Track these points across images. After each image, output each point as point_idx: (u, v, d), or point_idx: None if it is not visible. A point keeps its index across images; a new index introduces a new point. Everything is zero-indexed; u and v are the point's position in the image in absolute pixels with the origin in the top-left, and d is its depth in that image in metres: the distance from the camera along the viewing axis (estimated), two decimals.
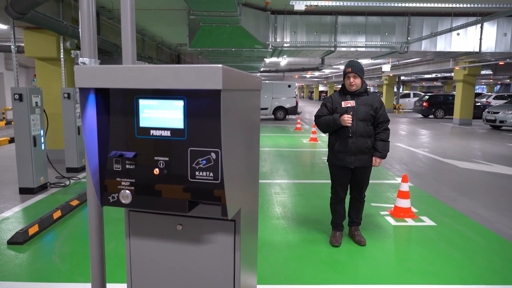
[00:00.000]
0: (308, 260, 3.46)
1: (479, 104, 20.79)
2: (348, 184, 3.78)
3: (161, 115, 1.47)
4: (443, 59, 16.62)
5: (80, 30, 1.79)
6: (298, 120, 15.80)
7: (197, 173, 1.46)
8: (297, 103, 19.26)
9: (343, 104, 3.56)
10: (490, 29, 10.56)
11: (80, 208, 4.87)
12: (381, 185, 6.18)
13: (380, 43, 10.35)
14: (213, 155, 1.44)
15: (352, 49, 10.57)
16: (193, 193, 1.48)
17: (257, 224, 2.16)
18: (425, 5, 8.03)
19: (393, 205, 4.92)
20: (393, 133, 13.10)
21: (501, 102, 20.95)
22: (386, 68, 16.35)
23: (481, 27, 10.49)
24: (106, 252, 3.46)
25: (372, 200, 5.26)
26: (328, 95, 3.85)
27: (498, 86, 40.96)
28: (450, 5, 8.02)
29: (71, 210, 4.70)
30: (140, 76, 1.39)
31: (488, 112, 16.17)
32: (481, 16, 10.01)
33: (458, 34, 10.60)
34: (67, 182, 6.08)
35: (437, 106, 21.63)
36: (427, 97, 22.23)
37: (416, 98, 27.35)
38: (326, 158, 3.83)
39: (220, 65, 1.32)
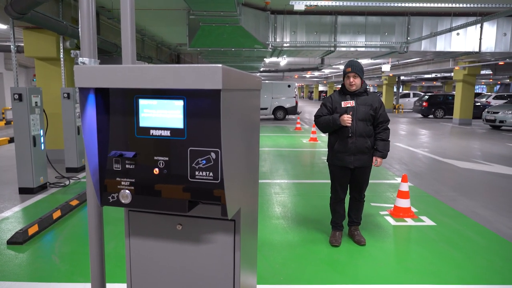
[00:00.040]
0: (308, 260, 3.46)
1: (478, 104, 20.80)
2: (348, 184, 3.78)
3: (161, 115, 1.47)
4: (442, 59, 16.63)
5: (79, 30, 1.79)
6: (298, 120, 15.80)
7: (197, 173, 1.46)
8: (296, 103, 19.27)
9: (343, 104, 3.56)
10: (490, 29, 10.56)
11: (80, 208, 4.87)
12: (380, 185, 6.18)
13: (380, 43, 10.36)
14: (213, 155, 1.44)
15: (352, 49, 10.57)
16: (193, 193, 1.48)
17: (257, 224, 2.16)
18: (424, 5, 8.03)
19: (392, 205, 4.93)
20: (392, 133, 13.10)
21: (501, 102, 20.98)
22: (386, 68, 16.35)
23: (481, 27, 10.49)
24: (106, 252, 3.46)
25: (371, 200, 5.26)
26: (327, 95, 3.85)
27: (498, 86, 40.97)
28: (450, 5, 8.02)
29: (71, 210, 4.70)
30: (140, 76, 1.39)
31: (488, 112, 16.17)
32: (480, 16, 10.01)
33: (458, 34, 10.60)
34: (67, 182, 6.07)
35: (436, 106, 21.64)
36: (426, 97, 22.24)
37: (416, 98, 27.36)
38: (326, 158, 3.83)
39: (220, 65, 1.32)
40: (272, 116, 19.57)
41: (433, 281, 3.11)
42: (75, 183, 6.09)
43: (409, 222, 4.47)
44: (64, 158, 6.91)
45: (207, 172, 1.45)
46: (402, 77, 31.76)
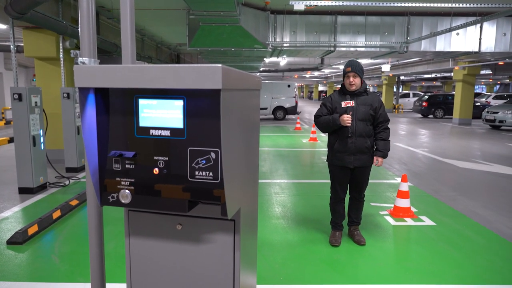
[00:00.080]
0: (308, 260, 3.46)
1: (478, 104, 20.81)
2: (348, 184, 3.78)
3: (161, 115, 1.47)
4: (442, 59, 16.63)
5: (79, 29, 1.79)
6: (298, 120, 15.80)
7: (196, 172, 1.46)
8: (296, 103, 19.27)
9: (343, 104, 3.56)
10: (490, 29, 10.57)
11: (80, 208, 4.87)
12: (380, 185, 6.18)
13: (379, 43, 10.36)
14: (213, 155, 1.44)
15: (352, 49, 10.57)
16: (192, 193, 1.48)
17: (257, 224, 2.16)
18: (424, 5, 8.04)
19: (392, 205, 4.93)
20: (392, 133, 13.10)
21: (501, 102, 20.98)
22: (386, 68, 16.36)
23: (481, 27, 10.50)
24: (105, 252, 3.46)
25: (371, 199, 5.27)
26: (327, 95, 3.85)
27: (498, 86, 40.99)
28: (450, 5, 8.02)
29: (71, 210, 4.70)
30: (139, 76, 1.39)
31: (488, 112, 16.18)
32: (480, 16, 10.01)
33: (457, 34, 10.61)
34: (67, 182, 6.07)
35: (436, 106, 21.64)
36: (426, 97, 22.25)
37: (416, 98, 27.36)
38: (326, 158, 3.83)
39: (220, 65, 1.32)
40: (272, 116, 19.58)
41: (433, 281, 3.11)
42: (75, 183, 6.09)
43: (409, 222, 4.47)
44: (64, 158, 6.91)
45: (207, 172, 1.45)
46: (402, 77, 31.77)
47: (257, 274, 3.14)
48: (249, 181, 1.85)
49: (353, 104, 3.54)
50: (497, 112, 15.67)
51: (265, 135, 12.74)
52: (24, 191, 5.43)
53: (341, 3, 7.63)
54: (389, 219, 4.55)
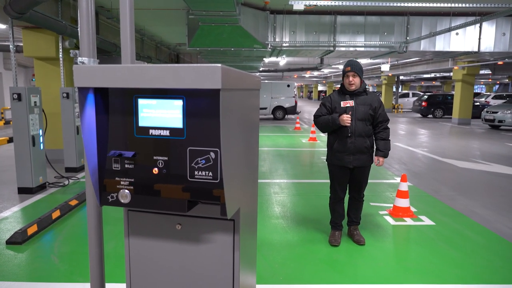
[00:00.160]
0: (307, 260, 3.46)
1: (478, 103, 20.82)
2: (347, 184, 3.78)
3: (160, 115, 1.47)
4: (442, 58, 16.64)
5: (79, 29, 1.79)
6: (297, 120, 15.81)
7: (196, 172, 1.46)
8: (296, 102, 19.28)
9: (342, 104, 3.56)
10: (489, 29, 10.57)
11: (79, 208, 4.86)
12: (380, 185, 6.18)
13: (379, 42, 10.36)
14: (212, 155, 1.44)
15: (351, 48, 10.57)
16: (192, 193, 1.48)
17: (256, 224, 2.16)
18: (424, 4, 8.04)
19: (392, 205, 4.93)
20: (392, 132, 13.10)
21: (500, 101, 21.00)
22: (385, 67, 16.36)
23: (480, 27, 10.50)
24: (105, 252, 3.46)
25: (371, 199, 5.27)
26: (327, 95, 3.85)
27: (497, 86, 41.02)
28: (449, 5, 8.03)
29: (70, 210, 4.69)
30: (139, 76, 1.39)
31: (487, 111, 16.19)
32: (480, 15, 10.02)
33: (457, 33, 10.61)
34: (66, 182, 6.07)
35: (436, 106, 21.65)
36: (426, 96, 22.25)
37: (415, 98, 27.38)
38: (325, 157, 3.83)
39: (219, 65, 1.32)
40: (272, 116, 19.58)
41: (432, 280, 3.11)
42: (74, 183, 6.09)
43: (409, 221, 4.48)
44: (63, 158, 6.90)
45: (207, 172, 1.45)
46: (401, 77, 31.78)
47: (257, 274, 3.14)
48: (249, 181, 1.85)
49: (353, 104, 3.54)
50: (496, 112, 15.69)
51: (264, 135, 12.74)
52: (24, 191, 5.43)
53: (340, 3, 7.63)
54: (389, 219, 4.56)
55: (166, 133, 1.48)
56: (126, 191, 1.54)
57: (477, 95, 26.62)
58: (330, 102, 3.64)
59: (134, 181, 1.54)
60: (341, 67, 23.12)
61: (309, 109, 29.85)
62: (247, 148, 1.77)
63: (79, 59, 1.76)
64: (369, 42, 10.35)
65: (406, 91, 33.03)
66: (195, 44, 10.13)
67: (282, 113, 19.24)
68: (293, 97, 19.19)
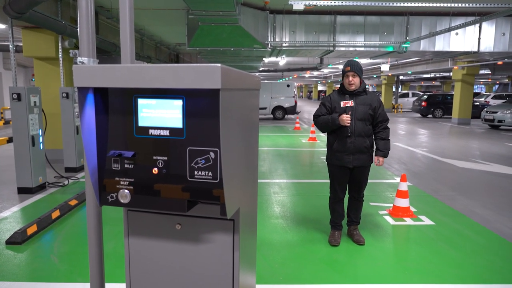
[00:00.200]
0: (307, 260, 3.46)
1: (477, 103, 20.83)
2: (347, 184, 3.78)
3: (160, 115, 1.47)
4: (441, 58, 16.64)
5: (78, 29, 1.79)
6: (297, 120, 15.81)
7: (196, 172, 1.46)
8: (296, 102, 19.28)
9: (342, 104, 3.56)
10: (489, 29, 10.58)
11: (79, 207, 4.86)
12: (380, 185, 6.19)
13: (379, 42, 10.36)
14: (212, 155, 1.43)
15: (351, 48, 10.57)
16: (192, 193, 1.48)
17: (256, 224, 2.16)
18: (423, 4, 8.04)
19: (391, 205, 4.93)
20: (392, 132, 13.11)
21: (500, 101, 21.00)
22: (385, 67, 16.36)
23: (480, 27, 10.50)
24: (105, 252, 3.45)
25: (371, 199, 5.27)
26: (326, 95, 3.85)
27: (497, 86, 41.03)
28: (449, 5, 8.03)
29: (70, 209, 4.69)
30: (139, 76, 1.39)
31: (487, 111, 16.19)
32: (479, 15, 10.02)
33: (456, 33, 10.61)
34: (66, 182, 6.07)
35: (435, 106, 21.66)
36: (425, 96, 22.26)
37: (415, 98, 27.38)
38: (325, 157, 3.83)
39: (219, 65, 1.32)
40: (271, 116, 19.58)
41: (432, 280, 3.11)
42: (74, 183, 6.09)
43: (408, 221, 4.48)
44: (63, 158, 6.90)
45: (206, 172, 1.45)
46: (401, 77, 31.79)
47: (257, 273, 3.14)
48: (249, 181, 1.85)
49: (352, 104, 3.54)
50: (496, 112, 15.69)
51: (264, 135, 12.74)
52: (23, 191, 5.42)
53: (340, 3, 7.63)
54: (389, 218, 4.56)
55: (166, 133, 1.47)
56: (126, 191, 1.54)
57: (476, 95, 26.62)
58: (330, 102, 3.64)
59: (133, 181, 1.53)
60: (340, 67, 23.12)
61: (308, 109, 29.85)
62: (247, 148, 1.77)
63: (79, 59, 1.76)
64: (369, 42, 10.35)
65: (405, 91, 33.04)
66: (194, 44, 10.13)
67: (282, 113, 19.24)
68: (293, 97, 19.19)
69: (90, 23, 1.78)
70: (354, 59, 3.66)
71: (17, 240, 3.71)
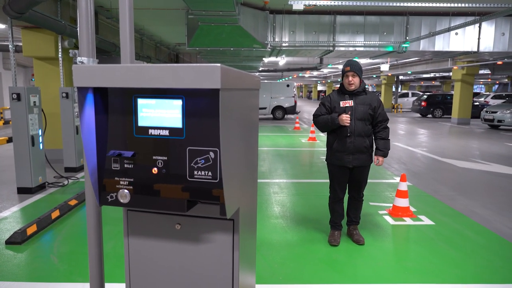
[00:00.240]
0: (307, 260, 3.46)
1: (477, 103, 20.83)
2: (347, 184, 3.78)
3: (160, 114, 1.47)
4: (441, 58, 16.65)
5: (78, 29, 1.79)
6: (297, 120, 15.81)
7: (195, 172, 1.46)
8: (295, 102, 19.29)
9: (342, 103, 3.56)
10: (488, 29, 10.58)
11: (79, 207, 4.86)
12: (379, 185, 6.19)
13: (378, 42, 10.36)
14: (212, 155, 1.43)
15: (351, 48, 10.58)
16: (191, 193, 1.48)
17: (256, 224, 2.16)
18: (423, 4, 8.04)
19: (391, 204, 4.93)
20: (391, 132, 13.10)
21: (499, 101, 21.00)
22: (385, 67, 16.36)
23: (479, 27, 10.51)
24: (104, 252, 3.45)
25: (370, 199, 5.27)
26: (326, 95, 3.85)
27: (496, 86, 41.04)
28: (449, 5, 8.03)
29: (70, 209, 4.69)
30: (138, 75, 1.39)
31: (486, 111, 16.20)
32: (479, 15, 10.02)
33: (456, 33, 10.62)
34: (66, 182, 6.06)
35: (435, 106, 21.66)
36: (425, 96, 22.26)
37: (415, 98, 27.39)
38: (325, 157, 3.83)
39: (219, 64, 1.32)
40: (271, 116, 19.58)
41: (432, 280, 3.11)
42: (73, 183, 6.08)
43: (408, 221, 4.48)
44: (63, 157, 6.90)
45: (206, 172, 1.45)
46: (400, 77, 31.79)
47: (256, 273, 3.14)
48: (248, 181, 1.85)
49: (352, 104, 3.54)
50: (495, 112, 15.70)
51: (264, 135, 12.74)
52: (23, 191, 5.42)
53: (340, 2, 7.63)
54: (388, 218, 4.56)
55: (166, 133, 1.47)
56: (126, 191, 1.54)
57: (476, 95, 26.63)
58: (330, 102, 3.65)
59: (133, 181, 1.53)
60: (340, 67, 23.12)
61: (308, 109, 29.85)
62: (247, 148, 1.77)
63: (79, 58, 1.76)
64: (368, 42, 10.35)
65: (405, 91, 33.03)
66: (194, 44, 10.13)
67: (281, 113, 19.25)
68: (293, 97, 19.20)
69: (90, 23, 1.78)
70: (354, 59, 3.66)
71: (16, 240, 3.71)
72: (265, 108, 18.98)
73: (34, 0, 5.05)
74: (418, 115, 23.34)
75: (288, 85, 19.19)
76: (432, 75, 28.35)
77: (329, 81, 41.91)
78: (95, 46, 1.83)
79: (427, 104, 21.68)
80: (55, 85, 7.45)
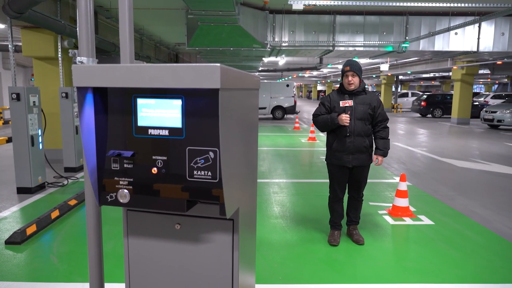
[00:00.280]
0: (307, 259, 3.46)
1: (477, 103, 20.84)
2: (346, 183, 3.78)
3: (159, 114, 1.47)
4: (441, 58, 16.65)
5: (77, 29, 1.78)
6: (297, 120, 15.81)
7: (195, 172, 1.46)
8: (295, 102, 19.29)
9: (341, 103, 3.56)
10: (488, 29, 10.58)
11: (78, 207, 4.86)
12: (379, 184, 6.19)
13: (378, 42, 10.36)
14: (211, 154, 1.43)
15: (351, 48, 10.58)
16: (191, 193, 1.48)
17: (256, 223, 2.16)
18: (423, 4, 8.04)
19: (391, 204, 4.93)
20: (391, 132, 13.06)
21: (499, 101, 21.01)
22: (384, 67, 16.37)
23: (479, 27, 10.51)
24: (104, 252, 3.45)
25: (370, 199, 5.27)
26: (326, 94, 3.85)
27: (496, 86, 41.06)
28: (448, 5, 8.04)
29: (69, 209, 4.69)
30: (138, 75, 1.39)
31: (486, 111, 16.21)
32: (479, 15, 10.03)
33: (456, 33, 10.62)
34: (65, 182, 6.06)
35: (435, 106, 21.67)
36: (425, 96, 22.27)
37: (414, 98, 27.40)
38: (325, 157, 3.83)
39: (218, 64, 1.32)
40: (271, 116, 19.59)
41: (431, 280, 3.11)
42: (73, 183, 6.08)
43: (408, 221, 4.48)
44: (63, 157, 6.90)
45: (206, 172, 1.45)
46: (400, 77, 31.79)
47: (256, 273, 3.14)
48: (248, 181, 1.85)
49: (352, 104, 3.54)
50: (495, 112, 15.71)
51: (264, 135, 12.73)
52: (23, 191, 5.42)
53: (339, 2, 7.62)
54: (388, 218, 4.56)
55: (165, 132, 1.47)
56: (125, 191, 1.54)
57: (476, 94, 26.62)
58: (329, 102, 3.64)
59: (133, 181, 1.53)
60: (340, 66, 23.12)
61: (308, 108, 29.85)
62: (246, 148, 1.77)
63: (78, 58, 1.76)
64: (368, 42, 10.36)
65: (405, 91, 33.04)
66: (194, 43, 10.12)
67: (281, 113, 19.25)
68: (292, 96, 19.20)
69: (90, 23, 1.78)
70: (354, 59, 3.65)
71: (16, 240, 3.71)
72: (264, 108, 18.99)
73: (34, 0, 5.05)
74: (418, 115, 23.34)
75: (287, 85, 19.19)
76: (431, 75, 28.35)
77: (328, 81, 41.90)
78: (94, 46, 1.82)
79: (426, 104, 21.68)
80: (55, 85, 7.45)
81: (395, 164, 8.05)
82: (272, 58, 16.35)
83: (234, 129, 1.54)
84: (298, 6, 7.57)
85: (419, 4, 7.91)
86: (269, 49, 10.76)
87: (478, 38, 10.58)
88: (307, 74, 32.03)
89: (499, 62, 16.67)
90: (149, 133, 1.49)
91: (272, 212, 4.76)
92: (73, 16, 7.68)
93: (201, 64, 1.32)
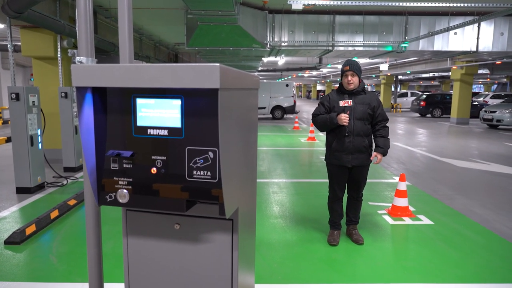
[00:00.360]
0: (306, 259, 3.46)
1: (476, 103, 20.86)
2: (346, 183, 3.78)
3: (159, 114, 1.47)
4: (440, 58, 16.66)
5: (77, 29, 1.78)
6: (296, 119, 15.81)
7: (194, 172, 1.46)
8: (295, 102, 19.29)
9: (341, 103, 3.56)
10: (487, 29, 10.59)
11: (78, 207, 4.86)
12: (378, 184, 6.19)
13: (377, 42, 10.37)
14: (211, 154, 1.43)
15: (350, 48, 10.58)
16: (190, 192, 1.48)
17: (255, 223, 2.16)
18: (422, 4, 8.05)
19: (390, 204, 4.93)
20: (390, 132, 13.09)
21: (498, 101, 21.03)
22: (384, 67, 16.37)
23: (478, 27, 10.52)
24: (103, 252, 3.45)
25: (369, 199, 5.27)
26: (325, 94, 3.85)
27: (495, 86, 41.10)
28: (448, 5, 8.04)
29: (69, 209, 4.69)
30: (137, 75, 1.39)
31: (485, 111, 16.22)
32: (478, 15, 10.03)
33: (455, 33, 10.63)
34: (65, 182, 6.06)
35: (434, 105, 21.68)
36: (424, 96, 22.28)
37: (414, 97, 27.41)
38: (324, 157, 3.83)
39: (218, 64, 1.31)
40: (270, 115, 19.59)
41: (431, 280, 3.11)
42: (72, 183, 6.08)
43: (407, 221, 4.48)
44: (62, 157, 6.89)
45: (205, 172, 1.45)
46: (400, 77, 31.81)
47: (255, 273, 3.14)
48: (247, 181, 1.85)
49: (351, 103, 3.54)
50: (494, 112, 15.72)
51: (263, 135, 12.73)
52: (22, 191, 5.42)
53: (339, 2, 7.62)
54: (387, 218, 4.56)
55: (165, 132, 1.47)
56: (125, 190, 1.54)
57: (475, 94, 26.64)
58: (329, 101, 3.64)
59: (132, 181, 1.53)
60: (339, 66, 23.12)
61: (307, 108, 29.85)
62: (246, 148, 1.77)
63: (77, 58, 1.76)
64: (367, 42, 10.36)
65: (404, 91, 33.06)
66: (193, 43, 10.12)
67: (281, 113, 19.26)
68: (292, 96, 19.20)
69: (89, 23, 1.78)
70: (353, 59, 3.65)
71: (15, 240, 3.70)
72: (264, 108, 18.99)
73: None
74: (417, 114, 23.36)
75: (287, 85, 19.19)
76: (431, 74, 28.37)
77: (328, 80, 41.91)
78: (94, 45, 1.82)
79: (426, 104, 21.70)
80: (54, 84, 7.44)
81: (395, 164, 8.05)
82: (272, 58, 16.36)
83: (233, 129, 1.54)
84: (297, 6, 7.57)
85: (419, 4, 7.91)
86: (268, 49, 10.76)
87: (478, 38, 10.59)
88: (306, 74, 32.04)
89: (498, 62, 16.68)
90: (149, 133, 1.49)
91: (272, 212, 4.76)
92: (72, 15, 7.67)
93: (201, 64, 1.32)
